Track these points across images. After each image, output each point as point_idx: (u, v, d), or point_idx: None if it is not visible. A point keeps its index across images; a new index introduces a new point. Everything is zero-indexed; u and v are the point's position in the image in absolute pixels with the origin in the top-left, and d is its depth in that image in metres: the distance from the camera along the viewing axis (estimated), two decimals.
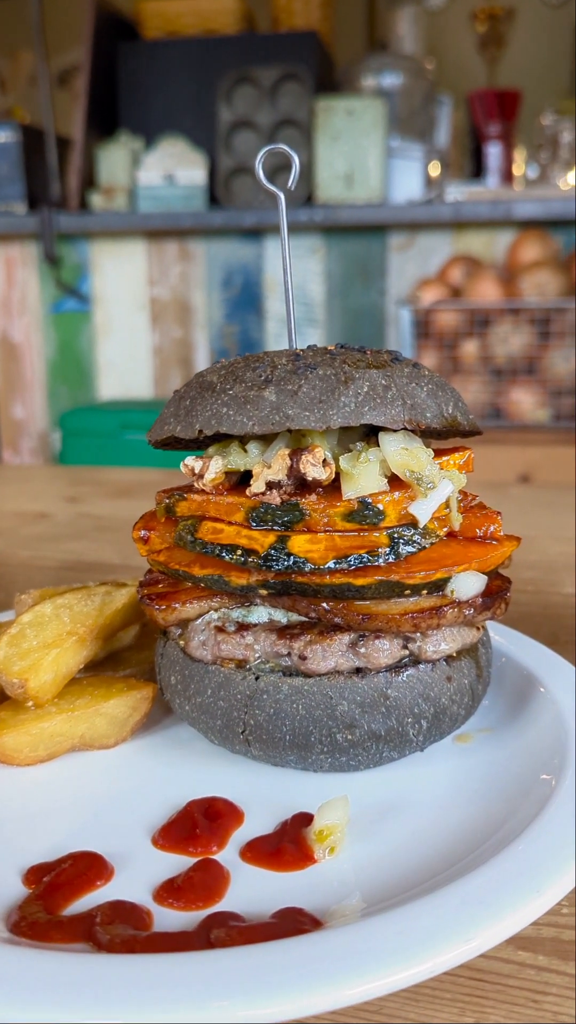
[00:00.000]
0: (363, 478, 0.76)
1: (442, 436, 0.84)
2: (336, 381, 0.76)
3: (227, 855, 0.73)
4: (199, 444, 0.87)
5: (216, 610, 0.84)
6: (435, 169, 4.32)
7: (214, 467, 0.80)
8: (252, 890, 0.68)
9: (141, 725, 0.90)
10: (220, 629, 0.82)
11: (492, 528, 0.82)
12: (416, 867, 0.69)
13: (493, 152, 4.32)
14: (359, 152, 4.01)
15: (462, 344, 3.81)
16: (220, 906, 0.66)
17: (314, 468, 0.75)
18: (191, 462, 0.81)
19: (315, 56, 4.16)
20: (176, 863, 0.71)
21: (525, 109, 4.61)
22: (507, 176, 4.35)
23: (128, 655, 1.01)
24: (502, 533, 0.83)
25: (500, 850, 0.66)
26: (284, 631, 0.81)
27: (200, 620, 0.84)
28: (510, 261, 3.95)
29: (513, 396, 3.77)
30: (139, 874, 0.70)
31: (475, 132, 4.50)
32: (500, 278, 3.81)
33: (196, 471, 0.81)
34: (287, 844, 0.72)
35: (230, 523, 0.80)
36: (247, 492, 0.79)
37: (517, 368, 3.75)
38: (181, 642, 0.86)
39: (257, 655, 0.81)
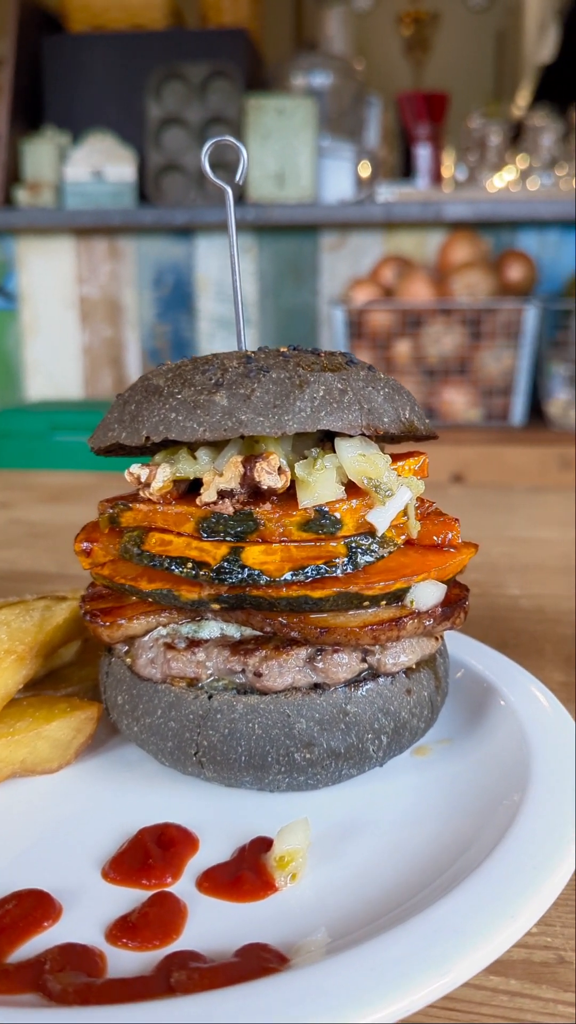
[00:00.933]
0: (320, 486, 0.73)
1: (396, 441, 0.82)
2: (291, 385, 0.72)
3: (183, 886, 0.69)
4: (143, 451, 0.83)
5: (165, 626, 0.80)
6: (365, 169, 4.32)
7: (161, 475, 0.76)
8: (211, 924, 0.64)
9: (86, 747, 0.86)
10: (169, 646, 0.78)
11: (450, 535, 0.80)
12: (382, 892, 0.66)
13: (422, 153, 4.34)
14: (290, 151, 3.99)
15: (395, 344, 3.81)
16: (178, 943, 0.62)
17: (269, 476, 0.72)
18: (136, 470, 0.77)
19: (244, 54, 4.12)
20: (129, 897, 0.67)
21: (451, 112, 4.65)
22: (436, 177, 4.38)
23: (69, 672, 0.96)
24: (460, 540, 0.81)
25: (468, 874, 0.63)
26: (237, 647, 0.77)
27: (148, 636, 0.80)
28: (441, 262, 3.97)
29: (446, 396, 3.79)
30: (89, 911, 0.66)
31: (404, 133, 4.52)
32: (431, 278, 3.83)
33: (142, 479, 0.77)
34: (246, 872, 0.68)
35: (179, 534, 0.76)
36: (197, 501, 0.75)
37: (449, 368, 3.77)
38: (128, 660, 0.82)
39: (209, 673, 0.77)
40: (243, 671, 0.76)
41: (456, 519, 0.81)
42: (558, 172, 4.23)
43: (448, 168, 4.52)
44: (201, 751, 0.76)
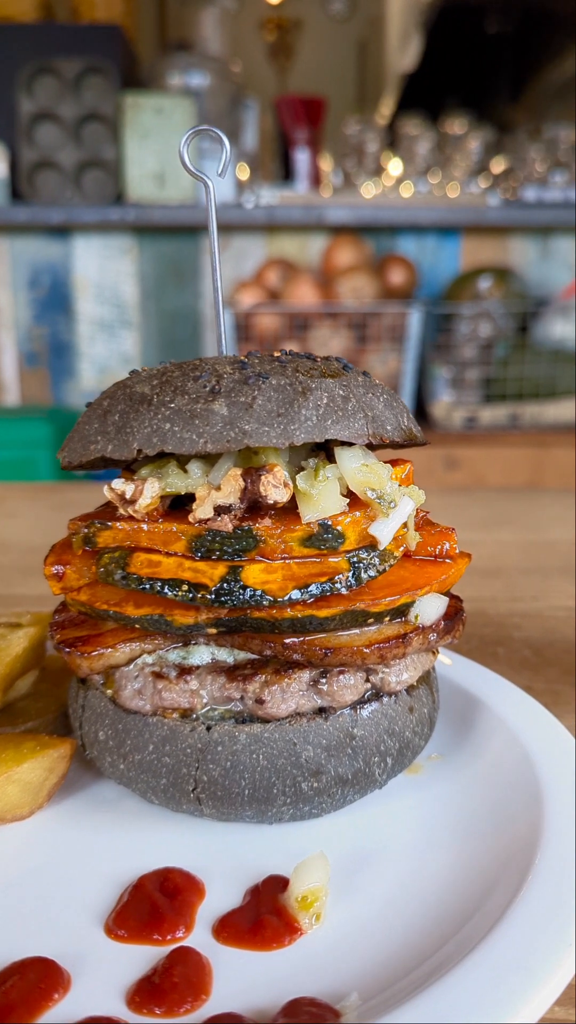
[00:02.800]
0: (324, 499, 0.69)
1: (390, 448, 0.79)
2: (293, 392, 0.68)
3: (199, 937, 0.63)
4: (107, 464, 0.77)
5: (150, 653, 0.74)
6: (243, 172, 4.29)
7: (149, 491, 0.70)
8: (241, 978, 0.59)
9: (58, 788, 0.78)
10: (158, 675, 0.72)
11: (447, 546, 0.77)
12: (414, 928, 0.63)
13: (301, 157, 4.34)
14: (170, 151, 3.91)
15: (282, 347, 3.80)
16: (211, 1005, 0.57)
17: (276, 490, 0.67)
18: (120, 485, 0.71)
19: (119, 50, 4.01)
20: (141, 956, 0.61)
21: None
22: (315, 181, 4.39)
23: (25, 706, 0.88)
24: (457, 550, 0.78)
25: (511, 903, 0.60)
26: (233, 672, 0.72)
27: (132, 665, 0.74)
28: (326, 265, 3.98)
29: None
30: (102, 977, 0.60)
31: (283, 137, 4.52)
32: (317, 282, 3.83)
33: (127, 496, 0.71)
34: (267, 917, 0.64)
35: (168, 554, 0.71)
36: (190, 518, 0.69)
37: None
38: (108, 691, 0.75)
39: (204, 702, 0.72)
40: (242, 698, 0.71)
41: (452, 529, 0.78)
42: (431, 179, 4.33)
43: (327, 172, 4.55)
44: (200, 787, 0.71)
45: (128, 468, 0.79)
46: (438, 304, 3.96)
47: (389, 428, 0.72)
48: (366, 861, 0.70)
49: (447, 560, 0.77)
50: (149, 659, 0.74)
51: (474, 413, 3.76)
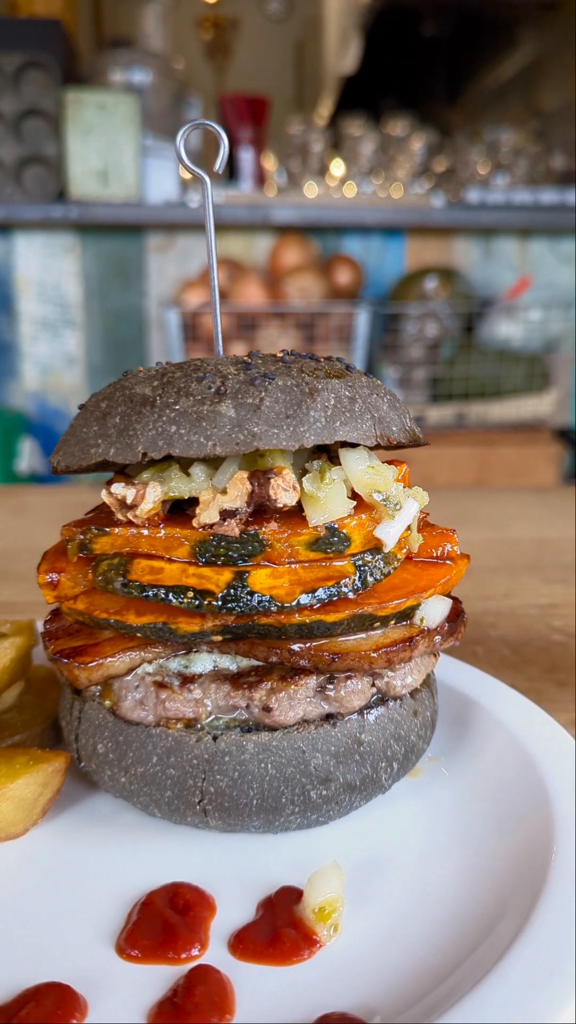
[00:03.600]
0: (331, 501, 0.68)
1: (390, 449, 0.78)
2: (300, 393, 0.66)
3: (215, 954, 0.61)
4: (86, 469, 0.74)
5: (150, 662, 0.72)
6: (186, 171, 4.25)
7: (152, 495, 0.68)
8: (263, 994, 0.58)
9: (53, 804, 0.76)
10: (161, 684, 0.70)
11: (448, 547, 0.77)
12: (431, 937, 0.62)
13: (246, 157, 4.32)
14: (113, 148, 3.85)
15: (230, 347, 3.77)
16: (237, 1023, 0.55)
17: (286, 493, 0.66)
18: (120, 490, 0.69)
19: (60, 45, 3.93)
20: (157, 976, 0.59)
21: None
22: (260, 181, 4.38)
23: (10, 719, 0.85)
24: (458, 551, 0.78)
25: (534, 906, 0.60)
26: (237, 680, 0.71)
27: (131, 675, 0.72)
28: (272, 265, 3.97)
29: None
30: (118, 1000, 0.57)
31: (228, 135, 4.49)
32: (264, 282, 3.82)
33: (129, 500, 0.68)
34: (285, 930, 0.62)
35: (171, 560, 0.69)
36: (194, 523, 0.68)
37: None
38: (107, 702, 0.73)
39: (208, 711, 0.70)
40: (247, 706, 0.70)
41: (453, 530, 0.78)
42: (375, 180, 4.35)
43: (271, 172, 4.54)
44: (207, 798, 0.69)
45: (123, 471, 0.77)
46: (385, 304, 3.98)
47: (395, 429, 0.71)
48: (376, 868, 0.69)
49: (448, 562, 0.76)
50: (149, 668, 0.72)
51: (421, 413, 3.78)
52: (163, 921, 0.63)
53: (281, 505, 0.66)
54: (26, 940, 0.63)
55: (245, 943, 0.62)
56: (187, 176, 4.25)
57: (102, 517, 0.74)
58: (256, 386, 0.66)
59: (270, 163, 4.53)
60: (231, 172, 4.57)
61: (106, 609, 0.70)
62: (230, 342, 3.74)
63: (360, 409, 0.69)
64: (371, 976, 0.58)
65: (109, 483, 0.76)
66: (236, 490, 0.66)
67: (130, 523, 0.70)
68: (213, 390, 0.66)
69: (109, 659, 0.71)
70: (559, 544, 1.67)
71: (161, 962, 0.61)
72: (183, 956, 0.61)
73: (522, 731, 0.81)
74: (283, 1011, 0.56)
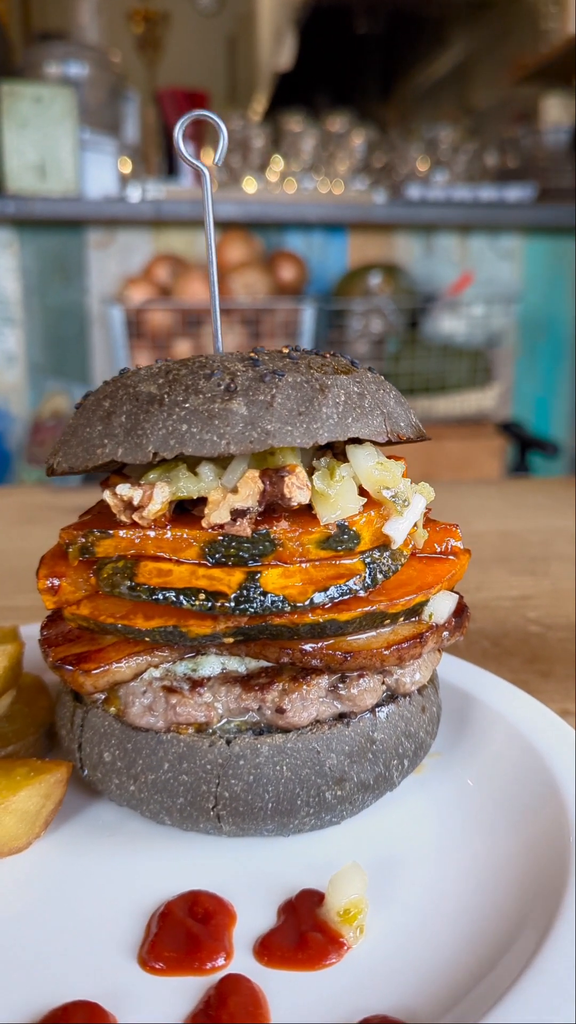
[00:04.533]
0: (342, 499, 0.67)
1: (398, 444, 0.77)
2: (311, 390, 0.66)
3: (241, 962, 0.60)
4: (91, 470, 0.72)
5: (156, 667, 0.70)
6: (125, 165, 4.20)
7: (160, 496, 0.66)
8: (296, 1001, 0.57)
9: (55, 815, 0.74)
10: (170, 689, 0.69)
11: (452, 543, 0.76)
12: (459, 934, 0.62)
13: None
14: (50, 142, 3.78)
15: (175, 344, 3.74)
16: None
17: (301, 491, 0.65)
18: (126, 491, 0.67)
19: None
20: (184, 987, 0.58)
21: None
22: (200, 176, 4.34)
23: (1, 729, 0.83)
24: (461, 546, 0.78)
25: (561, 900, 0.60)
26: (248, 682, 0.69)
27: (138, 681, 0.70)
28: (217, 261, 3.94)
29: None
30: (147, 1014, 0.56)
31: (166, 131, 4.44)
32: (208, 278, 3.79)
33: (136, 501, 0.67)
34: (311, 934, 0.61)
35: (179, 562, 0.67)
36: (203, 523, 0.66)
37: None
38: (111, 709, 0.71)
39: (220, 714, 0.69)
40: (260, 708, 0.69)
41: (456, 525, 0.78)
42: (316, 176, 4.35)
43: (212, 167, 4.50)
44: (221, 804, 0.68)
45: (120, 471, 0.75)
46: (329, 300, 3.98)
47: (402, 424, 0.71)
48: (392, 867, 0.69)
49: (451, 557, 0.76)
50: (156, 673, 0.70)
51: None
52: (185, 931, 0.62)
53: (296, 504, 0.65)
54: (45, 957, 0.61)
55: (272, 950, 0.61)
56: (126, 171, 4.19)
57: (101, 519, 0.72)
58: (267, 383, 0.65)
59: (210, 159, 4.49)
60: (170, 168, 4.53)
61: (112, 614, 0.68)
62: (175, 339, 3.70)
63: (370, 405, 0.68)
64: (404, 977, 0.58)
65: (105, 483, 0.74)
66: (248, 489, 0.65)
67: (135, 525, 0.68)
68: (223, 387, 0.64)
69: (115, 665, 0.69)
70: (522, 536, 1.69)
71: (187, 973, 0.59)
72: (209, 966, 0.59)
73: (522, 723, 0.81)
74: (319, 1017, 0.55)
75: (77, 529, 0.71)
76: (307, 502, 0.66)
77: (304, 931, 0.62)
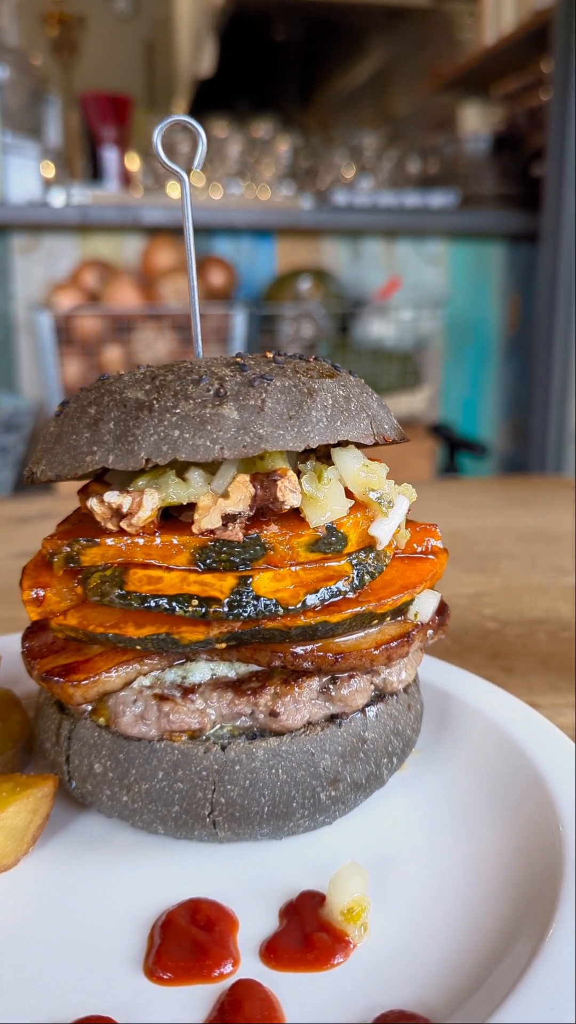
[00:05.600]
0: (331, 501, 0.67)
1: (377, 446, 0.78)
2: (300, 394, 0.66)
3: (249, 967, 0.60)
4: (80, 477, 0.71)
5: (145, 675, 0.70)
6: (48, 170, 4.14)
7: (149, 503, 0.66)
8: (309, 1002, 0.57)
9: (42, 831, 0.72)
10: (162, 697, 0.68)
11: (432, 542, 0.78)
12: (460, 927, 0.63)
13: (110, 156, 4.24)
14: None
15: (105, 350, 3.70)
16: None
17: (293, 495, 0.65)
18: (116, 499, 0.66)
19: None
20: (193, 996, 0.58)
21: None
22: (126, 181, 4.31)
23: None
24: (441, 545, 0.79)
25: (560, 891, 0.62)
26: (240, 687, 0.69)
27: (127, 690, 0.69)
28: (145, 267, 3.92)
29: None
30: None
31: (90, 135, 4.39)
32: (137, 283, 3.76)
33: (125, 509, 0.66)
34: (316, 934, 0.62)
35: (169, 568, 0.67)
36: (194, 528, 0.66)
37: None
38: (100, 719, 0.70)
39: (212, 720, 0.69)
40: (252, 713, 0.69)
41: (435, 525, 0.79)
42: (241, 181, 4.36)
43: (136, 172, 4.47)
44: (217, 810, 0.67)
45: (100, 479, 0.74)
46: (260, 305, 3.99)
47: (386, 427, 0.72)
48: (387, 864, 0.70)
49: (431, 556, 0.78)
50: (146, 681, 0.70)
51: None
52: (190, 939, 0.61)
53: (288, 507, 0.65)
54: (49, 974, 0.59)
55: (279, 952, 0.61)
56: (49, 175, 4.13)
57: (83, 527, 0.71)
58: (256, 387, 0.65)
59: (134, 163, 4.46)
60: (95, 172, 4.48)
61: (101, 623, 0.68)
62: (104, 345, 3.66)
63: (356, 408, 0.69)
64: (413, 972, 0.59)
65: (83, 491, 0.74)
66: (239, 493, 0.65)
67: (122, 532, 0.68)
68: (212, 392, 0.64)
69: (104, 675, 0.68)
70: (468, 535, 1.72)
71: (195, 982, 0.59)
72: (217, 973, 0.59)
73: (499, 717, 0.83)
74: (335, 1016, 0.56)
75: (61, 538, 0.70)
76: (298, 505, 0.66)
77: (309, 932, 0.62)
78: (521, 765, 0.76)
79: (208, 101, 6.54)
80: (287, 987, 0.58)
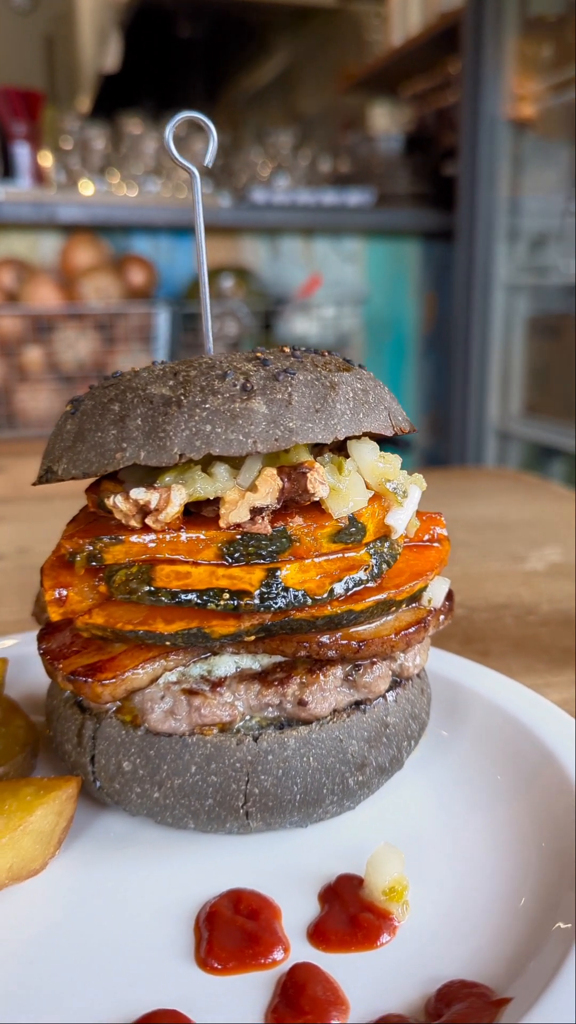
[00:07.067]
0: (353, 493, 0.69)
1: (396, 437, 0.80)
2: (323, 387, 0.67)
3: (299, 951, 0.61)
4: (102, 473, 0.70)
5: (171, 670, 0.70)
6: None
7: (177, 499, 0.66)
8: (365, 980, 0.58)
9: (67, 833, 0.72)
10: (191, 691, 0.69)
11: (437, 531, 0.80)
12: (491, 895, 0.65)
13: (21, 152, 4.15)
14: None
15: (25, 351, 3.62)
16: (356, 1012, 0.55)
17: (323, 487, 0.66)
18: (143, 495, 0.66)
19: None
20: (249, 984, 0.58)
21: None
22: (38, 178, 4.22)
23: None
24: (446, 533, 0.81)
25: None
26: (266, 679, 0.70)
27: (154, 687, 0.69)
28: (64, 265, 3.85)
29: None
30: (222, 1014, 0.56)
31: (2, 130, 4.28)
32: (57, 283, 3.70)
33: (153, 505, 0.66)
34: (362, 915, 0.63)
35: (196, 563, 0.67)
36: (220, 523, 0.66)
37: (86, 374, 3.68)
38: (126, 717, 0.70)
39: (241, 712, 0.69)
40: (280, 703, 0.69)
41: (440, 513, 0.81)
42: (157, 178, 4.32)
43: (48, 169, 4.38)
44: (251, 800, 0.68)
45: (113, 477, 0.73)
46: (182, 303, 3.97)
47: (400, 418, 0.74)
48: (411, 843, 0.71)
49: (435, 544, 0.80)
50: (172, 677, 0.70)
51: None
52: (239, 928, 0.62)
53: (318, 498, 0.66)
54: (102, 974, 0.59)
55: (327, 935, 0.62)
56: None
57: (101, 526, 0.71)
58: (281, 382, 0.66)
59: (47, 160, 4.37)
60: (6, 169, 4.37)
61: (129, 620, 0.67)
62: (25, 346, 3.59)
63: (374, 400, 0.70)
64: (461, 944, 0.61)
65: (93, 490, 0.73)
66: (267, 487, 0.65)
67: (145, 529, 0.68)
68: (239, 387, 0.65)
69: (131, 672, 0.68)
70: None
71: (249, 969, 0.60)
72: (270, 960, 0.60)
73: (499, 697, 0.86)
74: (394, 992, 0.57)
75: (81, 537, 0.69)
76: (326, 496, 0.67)
77: (354, 913, 0.63)
78: (526, 742, 0.79)
79: (115, 98, 6.46)
80: (340, 968, 0.59)
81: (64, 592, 0.70)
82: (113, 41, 6.36)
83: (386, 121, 5.00)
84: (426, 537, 0.79)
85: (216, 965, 0.60)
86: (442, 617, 0.77)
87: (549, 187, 3.85)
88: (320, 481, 0.66)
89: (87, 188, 4.18)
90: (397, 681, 0.76)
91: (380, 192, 4.34)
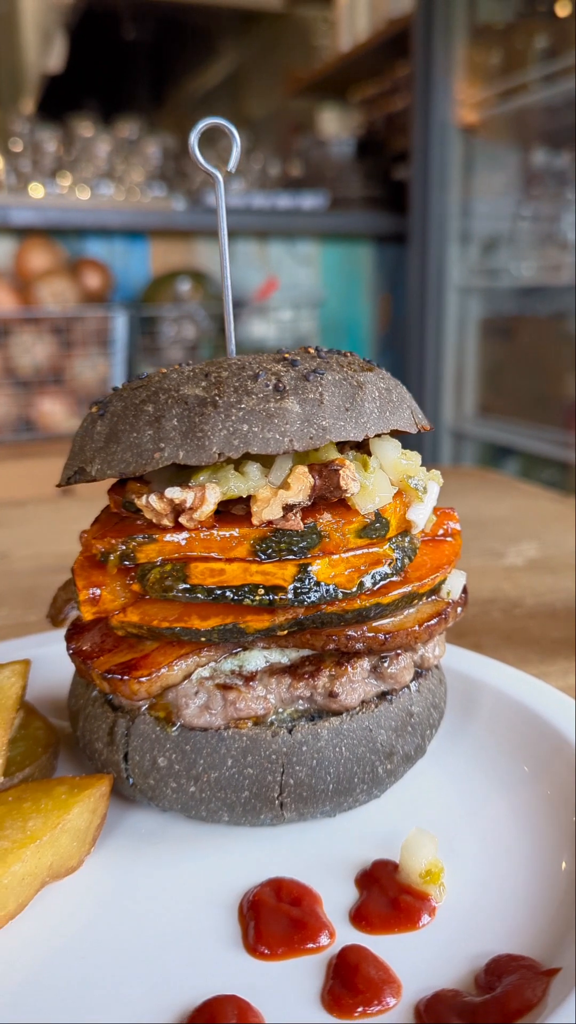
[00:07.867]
0: (379, 489, 0.71)
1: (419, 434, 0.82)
2: (350, 387, 0.69)
3: (344, 935, 0.63)
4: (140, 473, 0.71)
5: (204, 666, 0.71)
6: None
7: (212, 497, 0.67)
8: (413, 959, 0.60)
9: (101, 831, 0.72)
10: (226, 686, 0.70)
11: (451, 525, 0.82)
12: (524, 873, 0.68)
13: None
14: None
15: None
16: (408, 990, 0.57)
17: (354, 483, 0.68)
18: (179, 495, 0.67)
19: None
20: (300, 969, 0.60)
21: None
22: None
23: (10, 752, 0.79)
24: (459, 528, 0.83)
25: None
26: (296, 672, 0.72)
27: (187, 682, 0.70)
28: (19, 269, 3.81)
29: (43, 407, 3.67)
30: (279, 998, 0.57)
31: None
32: (11, 286, 3.66)
33: (189, 504, 0.67)
34: (402, 897, 0.65)
35: (229, 560, 0.68)
36: (253, 520, 0.68)
37: (44, 378, 3.65)
38: (160, 713, 0.71)
39: (273, 705, 0.71)
40: (311, 695, 0.71)
41: (452, 508, 0.84)
42: (110, 181, 4.30)
43: None
44: (286, 791, 0.70)
45: (140, 479, 0.74)
46: (139, 307, 3.96)
47: (420, 417, 0.76)
48: (438, 827, 0.73)
49: (449, 538, 0.82)
50: (204, 672, 0.71)
51: None
52: (284, 915, 0.63)
53: (350, 494, 0.68)
54: (155, 965, 0.60)
55: (370, 918, 0.64)
56: None
57: (129, 525, 0.72)
58: (311, 382, 0.67)
59: None
60: None
61: (164, 617, 0.68)
62: None
63: (397, 399, 0.73)
64: (501, 921, 0.63)
65: (116, 490, 0.74)
66: (300, 484, 0.67)
67: (178, 528, 0.69)
68: (272, 387, 0.67)
69: (165, 669, 0.69)
70: None
71: (298, 954, 0.61)
72: (317, 944, 0.62)
73: (507, 686, 0.89)
74: (442, 969, 0.59)
75: (114, 536, 0.70)
76: (358, 492, 0.69)
77: (394, 896, 0.65)
78: (537, 727, 0.82)
79: (60, 100, 6.40)
80: (386, 950, 0.61)
81: (97, 592, 0.70)
82: (57, 42, 6.30)
83: (336, 125, 5.05)
84: (440, 532, 0.82)
85: (265, 951, 0.61)
86: (459, 609, 0.79)
87: (499, 191, 3.94)
88: (352, 478, 0.68)
89: (38, 191, 4.14)
90: (419, 672, 0.78)
91: (333, 196, 4.39)
